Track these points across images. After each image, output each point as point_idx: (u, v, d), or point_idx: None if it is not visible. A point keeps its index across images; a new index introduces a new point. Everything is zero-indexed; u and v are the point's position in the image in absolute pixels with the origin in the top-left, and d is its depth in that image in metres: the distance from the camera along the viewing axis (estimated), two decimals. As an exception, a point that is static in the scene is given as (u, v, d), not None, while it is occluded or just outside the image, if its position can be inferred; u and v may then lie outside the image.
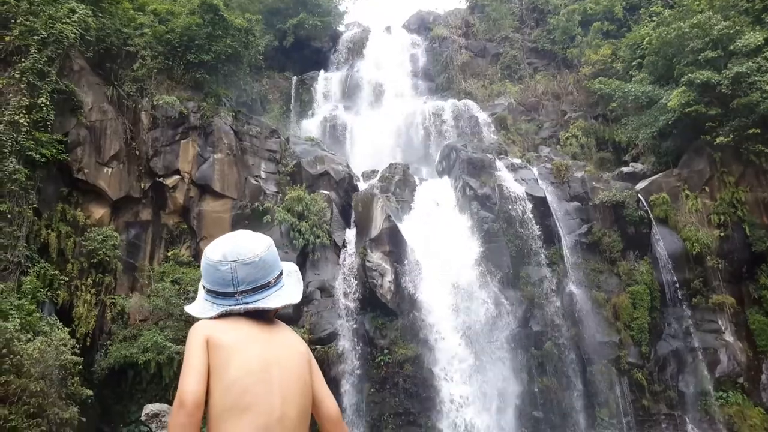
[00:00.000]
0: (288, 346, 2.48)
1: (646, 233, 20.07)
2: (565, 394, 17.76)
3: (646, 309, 19.03)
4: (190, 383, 2.24)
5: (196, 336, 2.36)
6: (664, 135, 21.57)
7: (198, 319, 2.52)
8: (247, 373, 2.30)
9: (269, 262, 2.50)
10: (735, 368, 18.73)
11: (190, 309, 2.57)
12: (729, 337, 19.23)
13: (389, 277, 18.07)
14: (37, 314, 14.09)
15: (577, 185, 20.88)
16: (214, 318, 2.46)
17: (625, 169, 22.26)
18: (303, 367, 2.46)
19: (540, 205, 19.90)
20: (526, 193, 19.91)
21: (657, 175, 21.29)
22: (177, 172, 18.62)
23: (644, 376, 18.27)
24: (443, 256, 18.44)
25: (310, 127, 26.02)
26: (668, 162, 21.63)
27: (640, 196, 20.47)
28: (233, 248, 2.47)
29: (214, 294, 2.48)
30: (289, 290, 2.56)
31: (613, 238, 19.96)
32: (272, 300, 2.47)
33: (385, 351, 17.40)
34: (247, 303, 2.43)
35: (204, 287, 2.53)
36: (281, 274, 2.56)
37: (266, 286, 2.47)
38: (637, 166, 22.36)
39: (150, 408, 14.21)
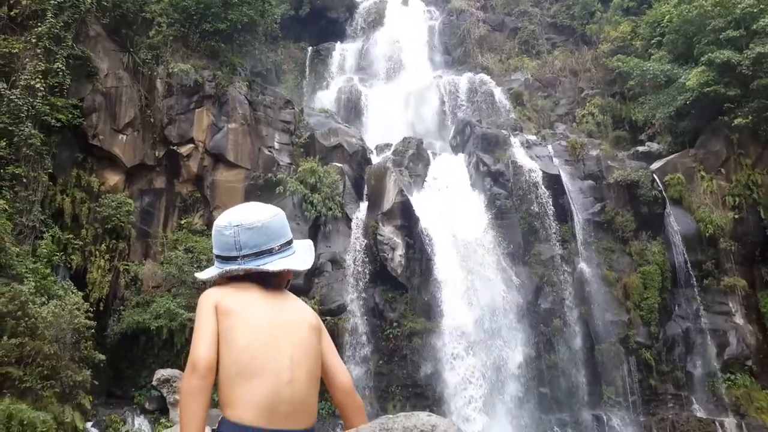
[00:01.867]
0: (296, 313, 2.52)
1: (659, 213, 19.95)
2: (572, 371, 17.85)
3: (656, 289, 18.98)
4: (201, 348, 2.30)
5: (205, 303, 2.43)
6: (681, 115, 21.29)
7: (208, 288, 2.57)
8: (256, 338, 2.34)
9: (273, 229, 2.54)
10: (744, 351, 18.71)
11: (198, 274, 2.67)
12: (739, 319, 19.18)
13: (400, 251, 18.11)
14: (52, 278, 14.29)
15: (591, 163, 20.71)
16: (223, 285, 2.52)
17: (640, 149, 22.04)
18: (311, 334, 2.49)
19: (554, 182, 19.79)
20: (540, 171, 19.80)
21: (673, 156, 21.07)
22: (191, 140, 18.64)
23: (652, 356, 18.30)
24: (455, 232, 18.44)
25: (325, 98, 25.89)
26: (684, 142, 21.40)
27: (655, 176, 20.30)
28: (238, 215, 2.55)
29: (221, 259, 2.55)
30: (295, 258, 2.58)
31: (626, 218, 19.84)
32: (274, 264, 2.49)
33: (394, 324, 17.51)
34: (249, 266, 2.47)
35: (214, 254, 2.58)
36: (288, 243, 2.58)
37: (269, 252, 2.51)
38: (653, 146, 22.14)
39: (162, 373, 14.38)
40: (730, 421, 17.43)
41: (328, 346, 2.60)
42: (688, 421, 17.44)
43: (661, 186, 20.11)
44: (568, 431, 17.02)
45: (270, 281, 2.53)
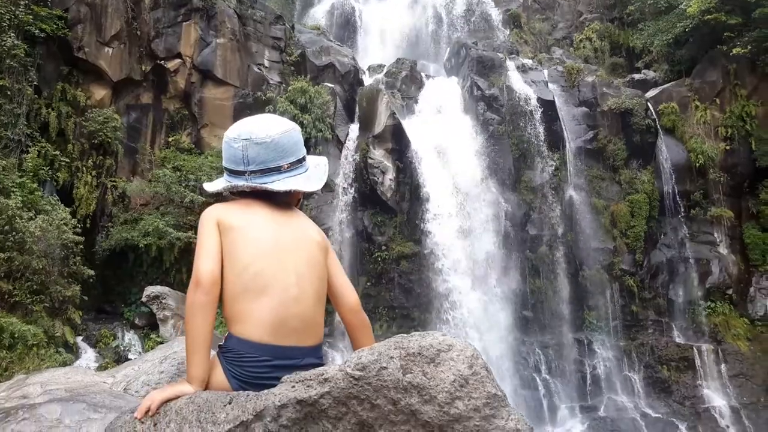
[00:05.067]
0: (302, 231, 2.46)
1: (651, 142, 19.92)
2: (555, 296, 18.19)
3: (643, 218, 19.18)
4: (204, 263, 2.25)
5: (207, 219, 2.37)
6: (679, 43, 20.99)
7: (211, 204, 2.52)
8: (261, 255, 2.29)
9: (284, 146, 2.44)
10: (725, 280, 19.11)
11: (206, 185, 2.60)
12: (723, 249, 19.51)
13: (390, 175, 18.04)
14: (39, 193, 14.12)
15: (587, 90, 20.48)
16: (229, 201, 2.47)
17: (636, 76, 21.80)
18: (318, 252, 2.45)
19: (548, 108, 19.60)
20: (535, 96, 19.57)
21: (668, 84, 20.90)
22: (179, 55, 18.10)
23: (635, 283, 18.67)
24: (446, 156, 18.34)
25: (317, 14, 25.16)
26: (681, 71, 21.18)
27: (649, 104, 20.17)
28: (249, 127, 2.45)
29: (228, 171, 2.47)
30: (305, 178, 2.49)
31: (618, 146, 19.80)
32: (281, 183, 2.41)
33: (383, 247, 17.63)
34: (255, 183, 2.40)
35: (223, 166, 2.51)
36: (300, 161, 2.49)
37: (277, 170, 2.42)
38: (649, 74, 21.91)
39: (151, 290, 14.56)
40: (707, 347, 17.99)
41: (334, 265, 2.56)
42: (666, 345, 17.98)
43: (654, 115, 20.02)
44: (549, 353, 17.50)
45: (277, 198, 2.45)
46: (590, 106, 20.28)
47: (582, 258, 18.60)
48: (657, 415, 16.74)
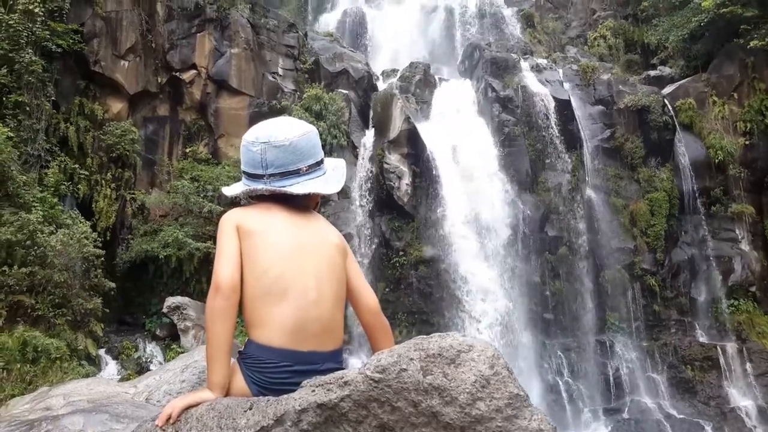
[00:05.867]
0: (320, 234, 2.45)
1: (669, 140, 19.72)
2: (576, 297, 18.04)
3: (663, 216, 18.98)
4: (223, 268, 2.24)
5: (226, 224, 2.36)
6: (695, 38, 20.78)
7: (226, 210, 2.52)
8: (279, 259, 2.28)
9: (302, 149, 2.43)
10: (748, 277, 18.83)
11: (225, 189, 2.60)
12: (745, 246, 19.23)
13: (406, 180, 18.03)
14: (59, 207, 14.28)
15: (602, 88, 20.34)
16: (247, 205, 2.47)
17: (652, 73, 21.63)
18: (336, 254, 2.43)
19: (563, 108, 19.48)
20: (550, 96, 19.46)
21: (685, 80, 20.71)
22: (193, 66, 18.27)
23: (657, 283, 18.46)
24: (462, 159, 18.29)
25: (329, 21, 25.25)
26: (697, 66, 20.96)
27: (666, 101, 19.98)
28: (267, 130, 2.44)
29: (247, 175, 2.46)
30: (324, 181, 2.49)
31: (636, 144, 19.64)
32: (300, 186, 2.41)
33: (401, 252, 17.60)
34: (274, 186, 2.39)
35: (242, 170, 2.51)
36: (318, 164, 2.49)
37: (296, 173, 2.41)
38: (665, 70, 21.73)
39: (171, 300, 14.65)
40: (731, 346, 17.71)
41: (353, 267, 2.55)
42: (690, 345, 17.74)
43: (671, 111, 19.82)
44: (571, 356, 17.34)
45: (296, 201, 2.44)
46: (606, 105, 20.14)
47: (602, 258, 18.44)
48: (682, 416, 16.50)
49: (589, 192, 19.01)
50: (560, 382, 16.79)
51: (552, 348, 17.40)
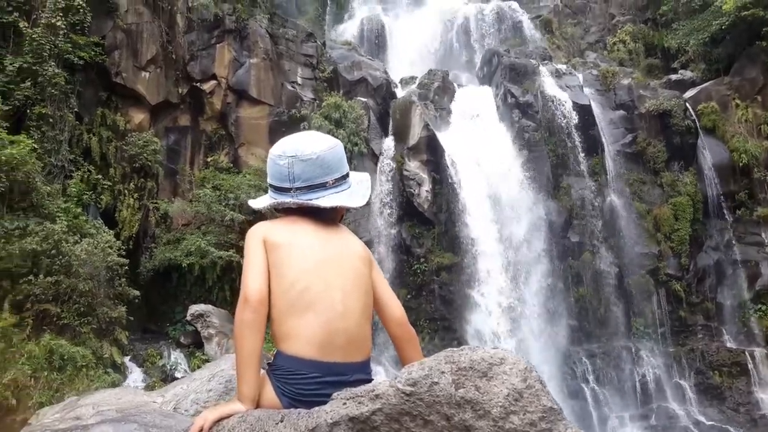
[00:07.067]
0: (346, 246, 2.45)
1: (692, 143, 19.54)
2: (600, 303, 17.88)
3: (687, 221, 18.79)
4: (252, 281, 2.25)
5: (253, 237, 2.37)
6: (716, 41, 20.59)
7: (251, 222, 2.53)
8: (306, 271, 2.29)
9: (329, 162, 2.44)
10: (776, 281, 18.55)
11: (251, 202, 2.62)
12: (772, 250, 18.95)
13: (426, 186, 18.01)
14: (83, 217, 14.44)
15: (623, 93, 20.21)
16: (274, 218, 2.48)
17: (673, 77, 21.44)
18: (361, 265, 2.44)
19: (584, 113, 19.38)
20: (570, 101, 19.37)
21: (706, 83, 20.50)
22: (213, 77, 18.42)
23: (682, 288, 18.27)
24: (482, 165, 18.24)
25: (347, 30, 25.35)
26: (719, 70, 20.74)
27: (687, 104, 19.82)
28: (294, 144, 2.46)
29: (274, 188, 2.48)
30: (349, 194, 2.50)
31: (658, 149, 19.47)
32: (327, 200, 2.42)
33: (422, 259, 17.58)
34: (301, 200, 2.41)
35: (268, 183, 2.52)
36: (344, 177, 2.50)
37: (323, 186, 2.43)
38: (686, 74, 21.52)
39: (195, 308, 14.73)
40: (760, 351, 17.45)
41: (378, 278, 2.54)
42: (717, 351, 17.51)
43: (694, 115, 19.65)
44: (596, 362, 17.19)
45: (322, 214, 2.46)
46: (627, 109, 20.00)
47: (626, 264, 18.28)
48: (711, 423, 16.27)
49: (612, 197, 18.87)
50: (586, 389, 16.64)
51: (577, 354, 17.26)
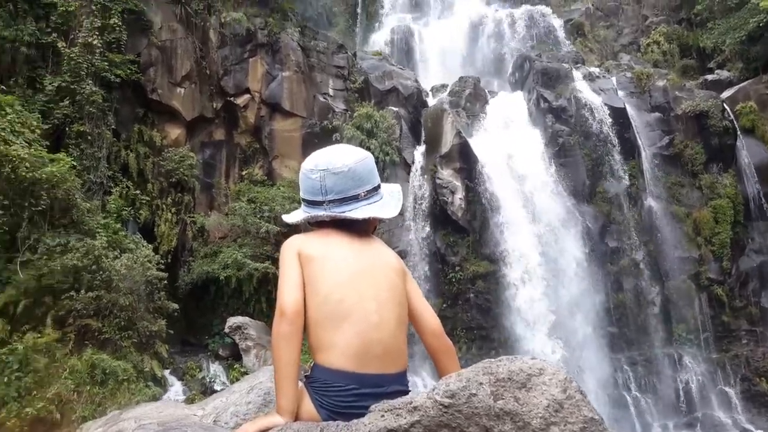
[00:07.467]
0: (379, 257, 2.46)
1: (730, 144, 19.15)
2: (641, 309, 17.57)
3: (728, 223, 18.39)
4: (288, 293, 2.27)
5: (288, 250, 2.39)
6: (753, 39, 20.15)
7: (286, 234, 2.54)
8: (340, 283, 2.30)
9: (360, 174, 2.46)
10: (823, 283, 18.03)
11: (285, 216, 2.63)
12: (818, 251, 18.44)
13: (460, 194, 17.93)
14: (122, 232, 14.70)
15: (658, 95, 19.91)
16: (308, 231, 2.50)
17: (709, 77, 21.06)
18: (395, 277, 2.43)
19: (619, 116, 19.13)
20: (605, 104, 19.15)
21: (744, 83, 20.10)
22: (247, 91, 18.66)
23: (725, 292, 17.87)
24: (516, 172, 18.11)
25: (377, 40, 25.45)
26: (757, 68, 20.31)
27: (725, 105, 19.44)
28: (325, 158, 2.47)
29: (307, 202, 2.51)
30: (381, 205, 2.51)
31: (696, 150, 19.12)
32: (360, 211, 2.43)
33: (457, 268, 17.47)
34: (334, 212, 2.42)
35: (301, 197, 2.55)
36: (375, 189, 2.50)
37: (355, 198, 2.44)
38: (723, 74, 21.12)
39: (233, 321, 14.87)
40: (808, 356, 16.94)
41: (413, 289, 2.54)
42: (763, 357, 17.08)
43: (732, 115, 19.26)
44: (638, 369, 16.88)
45: (355, 226, 2.47)
46: (663, 111, 19.70)
47: (666, 268, 17.95)
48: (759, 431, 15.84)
49: (650, 201, 18.58)
50: (628, 397, 16.34)
51: (618, 362, 16.98)
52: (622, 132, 19.01)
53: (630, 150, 19.01)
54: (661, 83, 20.19)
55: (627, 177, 18.69)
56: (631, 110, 19.51)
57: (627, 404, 16.21)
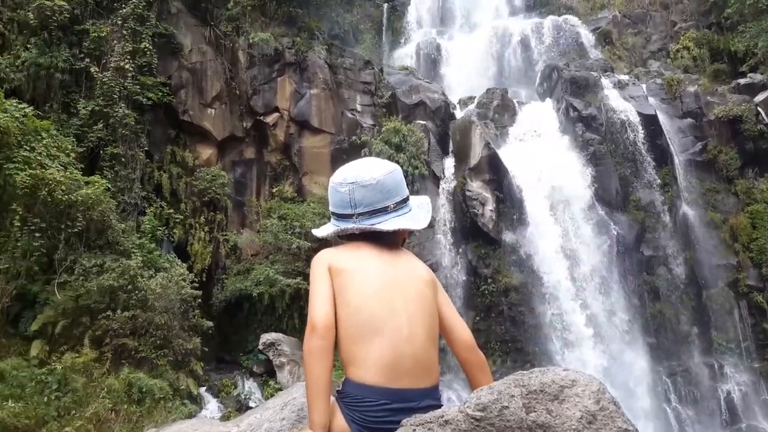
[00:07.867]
0: (410, 270, 2.45)
1: (765, 149, 18.75)
2: (679, 319, 17.23)
3: (766, 229, 17.96)
4: (318, 308, 2.27)
5: (318, 264, 2.39)
6: (787, 40, 19.81)
7: (316, 250, 2.57)
8: (371, 296, 2.29)
9: (389, 187, 2.46)
10: None
11: (315, 230, 2.63)
12: None
13: (490, 206, 17.83)
14: (157, 252, 14.93)
15: (690, 100, 19.63)
16: (337, 244, 2.49)
17: (742, 81, 20.66)
18: (426, 289, 2.42)
19: (650, 123, 18.88)
20: (635, 112, 18.92)
21: (779, 85, 19.70)
22: (276, 109, 18.89)
23: (765, 300, 17.40)
24: (546, 182, 17.95)
25: (404, 55, 25.55)
26: (792, 71, 19.94)
27: (759, 109, 19.04)
28: (353, 171, 2.48)
29: (336, 216, 2.51)
30: (410, 217, 2.50)
31: (730, 156, 18.78)
32: (389, 223, 2.42)
33: (489, 280, 17.33)
34: (363, 225, 2.42)
35: (330, 211, 2.55)
36: (404, 201, 2.50)
37: (384, 210, 2.44)
38: (756, 77, 20.70)
39: (266, 337, 14.96)
40: None
41: (444, 302, 2.52)
42: (808, 365, 16.56)
43: (766, 119, 18.86)
44: (678, 380, 16.51)
45: (385, 239, 2.47)
46: (695, 117, 19.41)
47: (703, 276, 17.58)
48: (807, 442, 15.37)
49: (685, 208, 18.26)
50: (668, 409, 15.98)
51: (657, 373, 16.62)
52: (654, 139, 18.76)
53: (662, 157, 18.74)
54: (692, 89, 19.92)
55: (660, 184, 18.41)
56: (662, 117, 19.25)
57: (667, 416, 15.85)
